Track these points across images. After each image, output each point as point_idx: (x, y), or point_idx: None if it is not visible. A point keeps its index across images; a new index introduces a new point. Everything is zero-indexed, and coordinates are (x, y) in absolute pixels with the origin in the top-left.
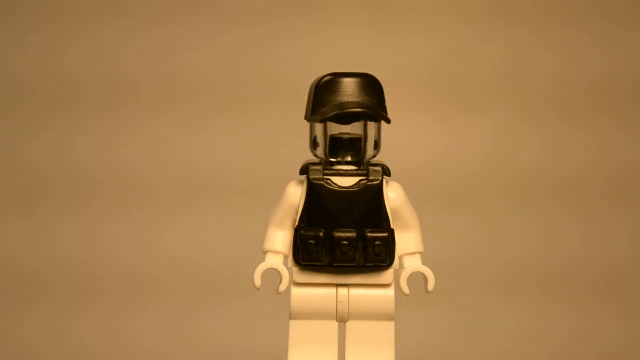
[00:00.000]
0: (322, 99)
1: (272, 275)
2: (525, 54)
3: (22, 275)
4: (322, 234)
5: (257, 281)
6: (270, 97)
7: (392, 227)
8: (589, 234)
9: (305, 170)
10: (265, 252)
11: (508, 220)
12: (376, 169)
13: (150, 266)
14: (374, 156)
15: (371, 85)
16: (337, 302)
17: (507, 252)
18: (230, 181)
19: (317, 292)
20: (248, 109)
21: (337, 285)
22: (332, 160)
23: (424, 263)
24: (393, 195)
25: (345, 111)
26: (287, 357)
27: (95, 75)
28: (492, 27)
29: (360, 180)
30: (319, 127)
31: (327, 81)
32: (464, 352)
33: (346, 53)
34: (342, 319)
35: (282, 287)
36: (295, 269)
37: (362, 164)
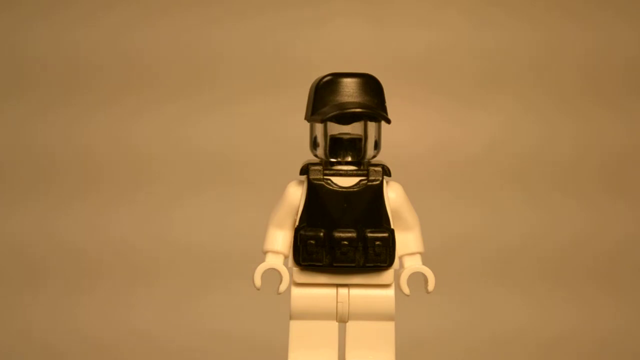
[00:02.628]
0: (322, 99)
1: (273, 275)
2: (522, 42)
3: (21, 259)
4: (322, 234)
5: (257, 281)
6: (275, 85)
7: (392, 227)
8: (589, 219)
9: (305, 170)
10: (265, 252)
11: (509, 206)
12: (376, 169)
13: (150, 251)
14: (374, 156)
15: (371, 85)
16: (337, 302)
17: (508, 238)
18: (232, 168)
19: (317, 292)
20: (253, 97)
21: (337, 285)
22: (332, 160)
23: (424, 263)
24: (393, 195)
25: (345, 111)
26: (287, 357)
27: (101, 60)
28: (488, 16)
29: (360, 180)
30: (319, 127)
31: (327, 81)
32: (465, 337)
33: (350, 44)
34: (342, 319)
35: (282, 287)
36: (295, 269)
37: (362, 164)
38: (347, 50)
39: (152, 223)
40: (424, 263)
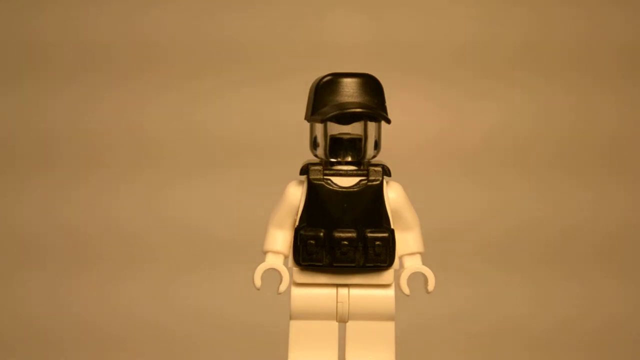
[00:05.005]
0: (322, 99)
1: (273, 275)
2: (517, 28)
3: (19, 239)
4: (322, 234)
5: (257, 281)
6: (284, 72)
7: (392, 227)
8: (592, 202)
9: (305, 170)
10: (265, 252)
11: (511, 191)
12: (376, 169)
13: (149, 234)
14: (374, 156)
15: (371, 85)
16: (337, 302)
17: (510, 222)
18: (235, 152)
19: (317, 292)
20: (260, 83)
21: (337, 285)
22: (332, 160)
23: (424, 263)
24: (393, 195)
25: (345, 111)
26: (287, 357)
27: (109, 42)
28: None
29: (360, 180)
30: (319, 127)
31: (327, 81)
32: (467, 322)
33: (357, 33)
34: (342, 319)
35: (282, 287)
36: (295, 269)
37: (362, 164)
38: (353, 40)
39: (153, 206)
40: (424, 263)
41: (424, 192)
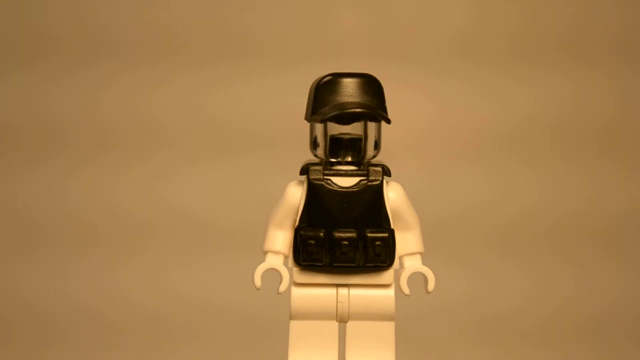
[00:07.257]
0: (322, 99)
1: (273, 275)
2: (509, 15)
3: (20, 224)
4: (322, 234)
5: (257, 281)
6: (291, 61)
7: (392, 227)
8: (592, 188)
9: (305, 170)
10: (265, 252)
11: (511, 177)
12: (376, 169)
13: (149, 220)
14: (374, 156)
15: (371, 85)
16: (337, 302)
17: (510, 210)
18: (237, 139)
19: (317, 292)
20: (267, 73)
21: (337, 285)
22: (332, 160)
23: (423, 263)
24: (393, 195)
25: (345, 111)
26: (287, 357)
27: (118, 28)
28: None
29: (360, 180)
30: (319, 127)
31: (327, 81)
32: (467, 309)
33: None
34: (342, 319)
35: (282, 287)
36: (295, 269)
37: (362, 164)
38: (355, 37)
39: (155, 193)
40: (424, 262)
41: (424, 181)
